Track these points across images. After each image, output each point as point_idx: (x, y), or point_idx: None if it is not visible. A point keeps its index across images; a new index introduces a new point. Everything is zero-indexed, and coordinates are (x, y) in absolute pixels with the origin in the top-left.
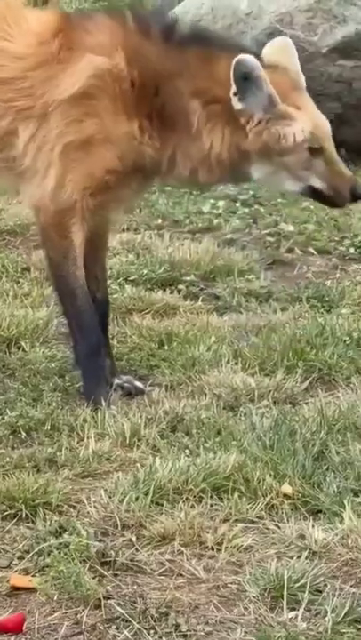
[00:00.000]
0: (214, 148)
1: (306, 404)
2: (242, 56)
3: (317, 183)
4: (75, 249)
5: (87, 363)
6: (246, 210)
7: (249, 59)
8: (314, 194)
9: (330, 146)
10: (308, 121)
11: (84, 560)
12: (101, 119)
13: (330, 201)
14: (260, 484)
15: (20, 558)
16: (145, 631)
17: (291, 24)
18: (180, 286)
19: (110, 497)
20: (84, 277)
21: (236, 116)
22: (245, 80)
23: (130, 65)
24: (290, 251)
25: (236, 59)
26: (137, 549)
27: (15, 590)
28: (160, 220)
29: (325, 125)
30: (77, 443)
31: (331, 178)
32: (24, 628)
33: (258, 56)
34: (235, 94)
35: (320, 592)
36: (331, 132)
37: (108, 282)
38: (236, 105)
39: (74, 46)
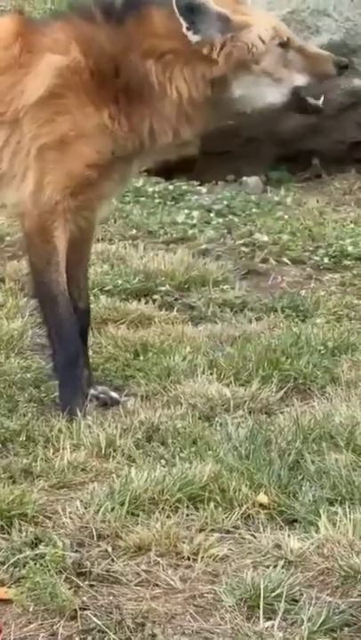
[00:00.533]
0: (182, 93)
1: (281, 413)
2: None
3: (300, 79)
4: (57, 254)
5: (65, 372)
6: (221, 220)
7: None
8: (299, 100)
9: (294, 37)
10: (264, 21)
11: (59, 571)
12: (71, 115)
13: (310, 107)
14: (236, 493)
15: None
16: None
17: None
18: (155, 296)
19: (86, 507)
20: (65, 284)
21: (191, 53)
22: (191, 11)
23: (86, 56)
24: (264, 261)
25: None
26: (113, 560)
27: None
28: (134, 231)
29: (277, 20)
30: (53, 453)
31: (311, 64)
32: (0, 639)
33: None
34: (187, 29)
35: (296, 601)
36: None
37: None
38: (193, 38)
39: (33, 49)
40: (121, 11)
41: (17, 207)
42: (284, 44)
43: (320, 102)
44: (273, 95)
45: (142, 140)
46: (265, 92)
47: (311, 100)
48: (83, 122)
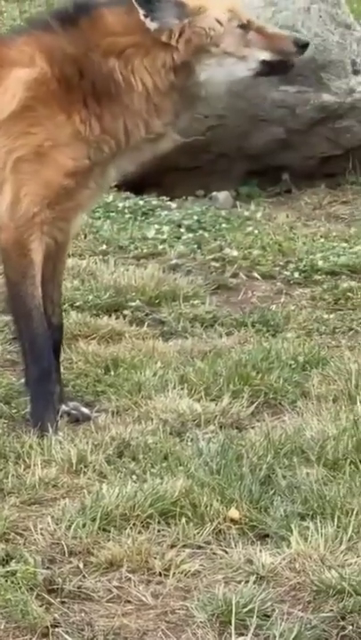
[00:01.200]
0: (147, 84)
1: (252, 428)
2: None
3: (263, 55)
4: (34, 267)
5: (37, 387)
6: (191, 235)
7: None
8: (267, 68)
9: (252, 17)
10: (220, 4)
11: (31, 588)
12: (44, 126)
13: (283, 66)
14: (208, 509)
15: None
16: None
17: None
18: (126, 312)
19: (57, 524)
20: (40, 298)
21: (151, 44)
22: (147, 0)
23: (51, 65)
24: (235, 276)
25: None
26: (84, 576)
27: None
28: (105, 246)
29: (237, 3)
30: (24, 470)
31: (271, 43)
32: None
33: None
34: (145, 16)
35: (268, 617)
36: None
37: None
38: (151, 25)
39: (3, 63)
40: (74, 16)
41: None
42: (244, 26)
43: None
44: (241, 70)
45: (118, 140)
46: (232, 70)
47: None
48: (56, 131)
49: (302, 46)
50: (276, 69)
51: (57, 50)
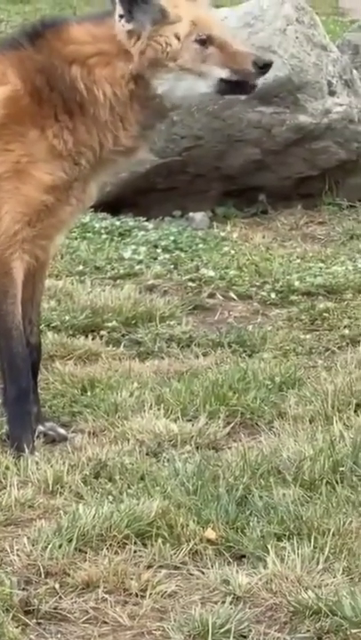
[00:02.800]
0: (107, 94)
1: (229, 448)
2: None
3: (222, 73)
4: (15, 286)
5: (14, 407)
6: (167, 256)
7: None
8: (226, 86)
9: (218, 32)
10: (186, 16)
11: (6, 609)
12: (20, 143)
13: (243, 86)
14: (184, 529)
15: None
16: None
17: None
18: (102, 332)
19: (33, 545)
20: (20, 317)
21: (113, 54)
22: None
23: (23, 81)
24: (211, 296)
25: None
26: (60, 597)
27: None
28: (81, 267)
29: (207, 14)
30: (0, 490)
31: (229, 61)
32: None
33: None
34: (121, 17)
35: (245, 637)
36: (218, 21)
37: None
38: (126, 26)
39: None
40: (41, 30)
41: None
42: (203, 41)
43: (257, 82)
44: (200, 87)
45: (94, 151)
46: (191, 86)
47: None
48: (31, 147)
49: (262, 67)
50: (235, 89)
51: (26, 64)
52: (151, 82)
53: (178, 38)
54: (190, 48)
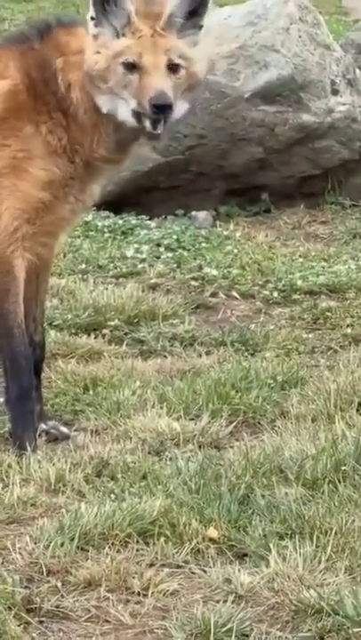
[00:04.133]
0: (79, 99)
1: (231, 447)
2: None
3: (132, 103)
4: (17, 285)
5: (16, 405)
6: (170, 254)
7: None
8: (141, 118)
9: (147, 60)
10: (125, 41)
11: (9, 607)
12: (17, 137)
13: (146, 122)
14: (186, 528)
15: None
16: None
17: (213, 70)
18: (105, 331)
19: (36, 543)
20: (22, 316)
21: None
22: (106, 2)
23: (23, 76)
24: (214, 295)
25: None
26: (63, 595)
27: None
28: (84, 265)
29: (144, 41)
30: (2, 488)
31: (137, 92)
32: None
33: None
34: (92, 18)
35: (247, 636)
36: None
37: None
38: (92, 30)
39: None
40: (52, 27)
41: None
42: (130, 65)
43: (158, 129)
44: (122, 114)
45: (85, 152)
46: (117, 111)
47: (147, 124)
48: (27, 143)
49: (157, 107)
50: (143, 123)
51: (28, 58)
52: (93, 98)
53: (106, 60)
54: (116, 70)
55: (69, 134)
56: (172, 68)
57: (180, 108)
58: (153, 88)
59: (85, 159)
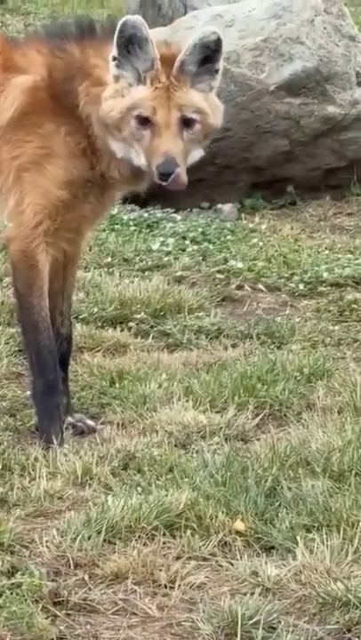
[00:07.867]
0: (94, 116)
1: (257, 440)
2: (128, 16)
3: (142, 159)
4: (41, 279)
5: (42, 399)
6: (196, 247)
7: (137, 18)
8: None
9: (161, 117)
10: (142, 90)
11: (36, 600)
12: (38, 134)
13: (156, 181)
14: (213, 520)
15: None
16: None
17: (238, 62)
18: (131, 324)
19: (62, 536)
20: (47, 310)
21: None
22: (130, 43)
23: (49, 73)
24: (240, 288)
25: (122, 20)
26: (90, 588)
27: None
28: (110, 258)
29: (159, 94)
30: (29, 482)
31: (148, 151)
32: None
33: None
34: (113, 59)
35: (274, 629)
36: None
37: None
38: (114, 71)
39: (10, 67)
40: (96, 33)
41: (4, 231)
42: (143, 120)
43: (168, 181)
44: (137, 160)
45: (103, 161)
46: (133, 159)
47: (156, 179)
48: (47, 140)
49: (162, 174)
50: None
51: (59, 58)
52: (109, 140)
53: (120, 111)
54: (130, 123)
55: (90, 141)
56: (187, 122)
57: (194, 155)
58: (162, 153)
59: (102, 173)
